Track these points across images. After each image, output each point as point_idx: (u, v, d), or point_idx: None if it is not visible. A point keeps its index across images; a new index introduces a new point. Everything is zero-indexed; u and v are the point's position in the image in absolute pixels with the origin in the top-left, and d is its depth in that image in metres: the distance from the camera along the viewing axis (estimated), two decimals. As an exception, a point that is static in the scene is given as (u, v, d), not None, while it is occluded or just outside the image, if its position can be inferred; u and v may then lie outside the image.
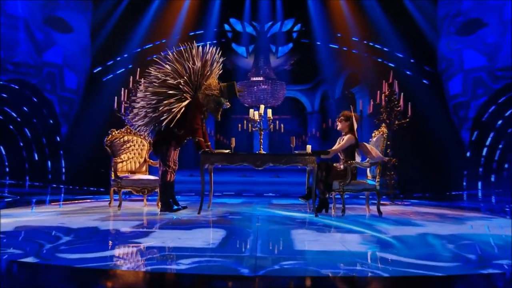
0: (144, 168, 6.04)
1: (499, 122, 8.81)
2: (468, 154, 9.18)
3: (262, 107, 5.36)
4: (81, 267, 2.47)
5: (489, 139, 8.89)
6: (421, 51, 9.90)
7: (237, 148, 5.25)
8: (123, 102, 7.64)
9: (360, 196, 7.23)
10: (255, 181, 10.30)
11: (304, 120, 14.16)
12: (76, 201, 7.05)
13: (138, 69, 7.42)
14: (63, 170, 9.34)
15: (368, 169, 5.42)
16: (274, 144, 12.34)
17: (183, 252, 2.90)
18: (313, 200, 5.06)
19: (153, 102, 5.13)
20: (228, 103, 5.36)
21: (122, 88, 7.79)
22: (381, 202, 5.62)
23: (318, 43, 11.48)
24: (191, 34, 10.30)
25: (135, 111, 5.34)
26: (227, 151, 5.15)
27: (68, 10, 9.60)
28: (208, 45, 5.34)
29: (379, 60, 10.43)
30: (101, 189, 8.93)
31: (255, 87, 11.60)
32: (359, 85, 11.72)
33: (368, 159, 5.26)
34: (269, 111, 5.36)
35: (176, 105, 5.05)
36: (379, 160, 5.14)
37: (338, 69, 12.26)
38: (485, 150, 8.94)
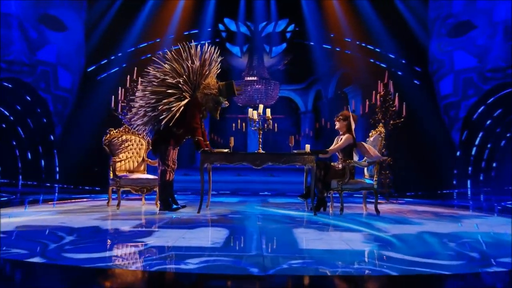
0: (142, 167, 6.05)
1: (488, 122, 8.99)
2: (458, 153, 9.34)
3: (261, 106, 5.40)
4: (89, 267, 2.47)
5: (478, 139, 9.07)
6: (412, 52, 10.03)
7: (233, 147, 5.29)
8: (120, 101, 7.62)
9: (355, 195, 7.33)
10: (250, 180, 10.33)
11: (297, 119, 14.24)
12: (73, 200, 7.00)
13: (135, 68, 7.40)
14: (57, 169, 9.26)
15: (365, 168, 5.49)
16: (268, 143, 12.37)
17: (190, 252, 2.91)
18: (312, 199, 5.13)
19: (152, 101, 5.15)
20: (227, 102, 5.40)
21: (120, 87, 7.76)
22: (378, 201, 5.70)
23: (312, 43, 11.58)
24: (185, 33, 10.31)
25: (134, 110, 5.35)
26: (226, 150, 5.18)
27: (62, 8, 9.51)
28: (206, 44, 5.36)
29: (371, 60, 10.54)
30: (96, 188, 8.89)
31: (249, 87, 11.64)
32: (352, 85, 11.84)
33: (365, 158, 5.34)
34: (268, 111, 5.40)
35: (175, 104, 5.07)
36: (377, 160, 5.22)
37: (331, 69, 12.36)
38: (474, 149, 9.12)
